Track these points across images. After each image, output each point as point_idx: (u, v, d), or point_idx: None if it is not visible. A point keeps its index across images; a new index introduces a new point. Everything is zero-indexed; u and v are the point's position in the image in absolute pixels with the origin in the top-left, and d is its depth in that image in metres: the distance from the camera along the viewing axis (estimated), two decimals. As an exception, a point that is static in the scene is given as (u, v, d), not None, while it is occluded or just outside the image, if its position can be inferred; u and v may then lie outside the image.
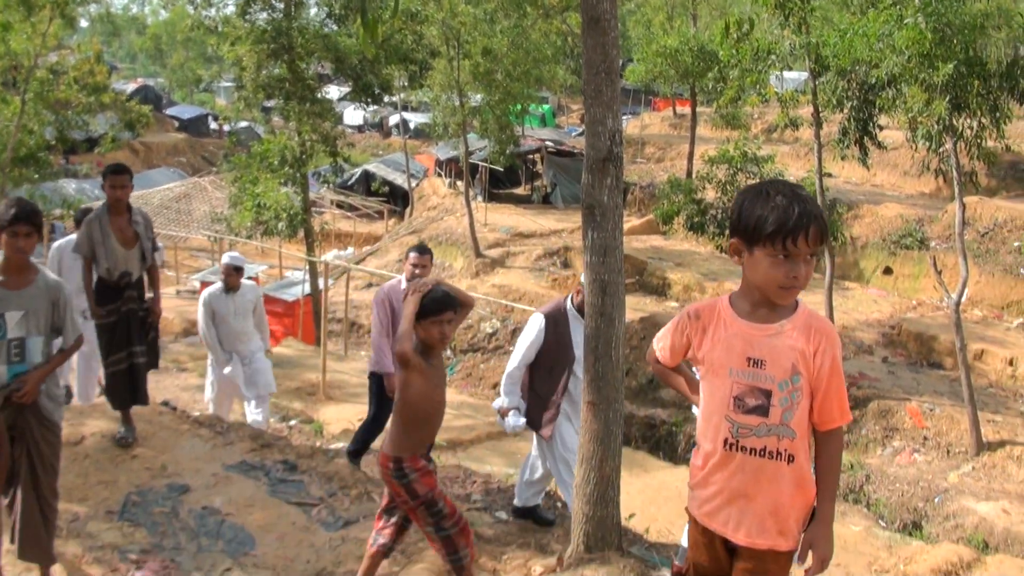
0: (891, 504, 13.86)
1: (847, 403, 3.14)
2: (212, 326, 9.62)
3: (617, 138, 5.07)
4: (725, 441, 3.10)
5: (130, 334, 7.24)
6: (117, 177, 7.13)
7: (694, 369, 3.45)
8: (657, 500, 11.54)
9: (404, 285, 7.47)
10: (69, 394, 9.45)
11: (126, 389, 7.23)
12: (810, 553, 3.14)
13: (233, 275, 9.55)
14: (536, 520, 6.96)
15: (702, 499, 3.25)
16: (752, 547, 3.13)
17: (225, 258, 9.83)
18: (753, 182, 3.22)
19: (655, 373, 3.57)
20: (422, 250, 7.74)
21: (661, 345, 3.43)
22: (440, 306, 4.78)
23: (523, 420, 6.62)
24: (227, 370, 9.65)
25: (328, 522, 6.28)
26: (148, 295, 7.55)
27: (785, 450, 3.04)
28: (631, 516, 8.75)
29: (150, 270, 7.48)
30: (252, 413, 9.87)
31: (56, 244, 9.29)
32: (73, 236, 8.45)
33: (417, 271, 7.53)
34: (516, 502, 7.09)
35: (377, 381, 7.92)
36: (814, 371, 3.03)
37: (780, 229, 2.86)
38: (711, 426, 3.16)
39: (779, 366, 3.02)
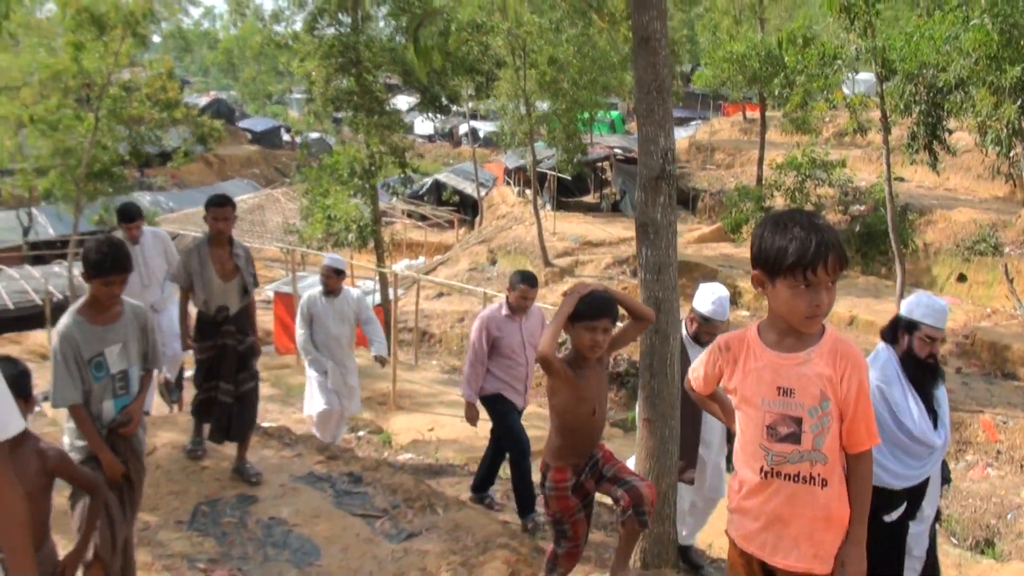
0: (963, 520, 13.52)
1: (875, 426, 3.20)
2: (307, 328, 9.13)
3: (669, 156, 5.12)
4: (761, 469, 3.18)
5: (225, 369, 6.98)
6: (219, 209, 6.87)
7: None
8: (724, 513, 11.41)
9: (505, 311, 7.38)
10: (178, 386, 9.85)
11: (237, 417, 7.04)
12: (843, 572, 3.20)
13: (333, 278, 9.10)
14: (686, 561, 6.57)
15: (740, 523, 3.34)
16: (789, 570, 3.21)
17: (325, 260, 9.36)
18: (773, 212, 3.26)
19: (694, 399, 3.72)
20: (532, 281, 7.20)
21: (696, 375, 3.55)
22: (595, 311, 4.46)
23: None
24: (325, 376, 9.13)
25: (391, 534, 6.39)
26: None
27: (819, 475, 3.11)
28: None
29: (248, 305, 7.16)
30: (335, 428, 9.62)
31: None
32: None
33: (526, 302, 7.14)
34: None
35: (490, 405, 7.39)
36: (841, 396, 3.10)
37: (800, 260, 2.93)
38: (747, 454, 3.25)
39: (808, 393, 3.09)
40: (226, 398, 6.99)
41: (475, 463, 11.52)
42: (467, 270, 30.86)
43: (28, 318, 22.88)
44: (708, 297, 6.32)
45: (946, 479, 5.44)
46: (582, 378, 4.58)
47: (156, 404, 9.85)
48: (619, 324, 4.68)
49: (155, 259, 8.91)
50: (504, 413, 7.27)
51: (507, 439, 7.32)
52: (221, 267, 6.91)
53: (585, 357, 4.56)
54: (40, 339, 20.16)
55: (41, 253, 32.55)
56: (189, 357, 7.76)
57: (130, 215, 8.66)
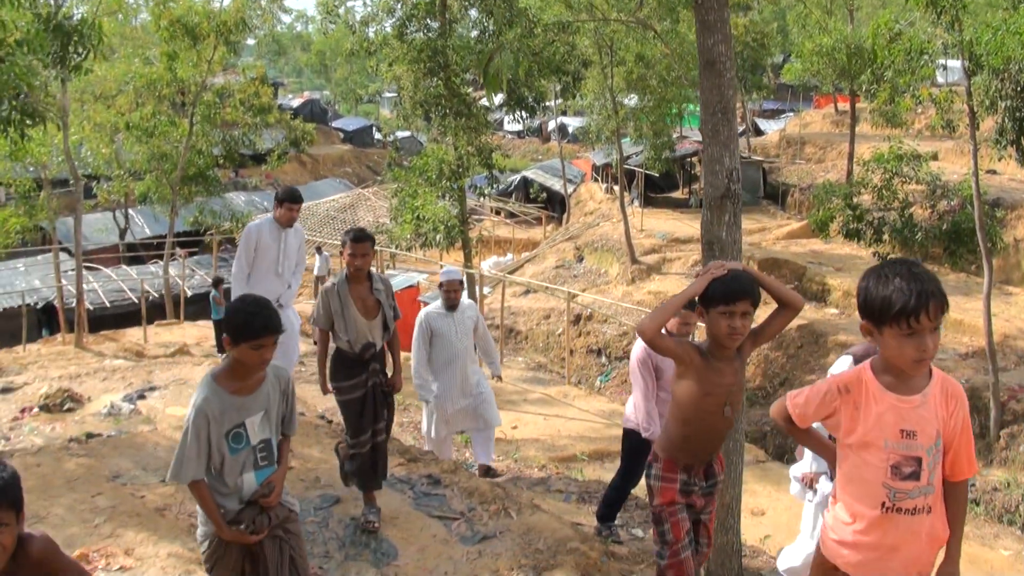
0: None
1: (974, 456, 3.44)
2: (427, 349, 8.79)
3: (735, 176, 5.22)
4: (883, 504, 3.34)
5: (376, 410, 6.66)
6: (358, 245, 6.45)
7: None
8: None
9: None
10: None
11: (370, 468, 6.68)
12: None
13: (458, 290, 8.79)
14: None
15: (852, 555, 3.47)
16: None
17: (444, 274, 8.95)
18: (875, 265, 3.39)
19: (784, 430, 3.72)
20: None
21: (800, 411, 3.55)
22: (732, 293, 4.00)
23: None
24: (433, 394, 8.85)
25: (467, 536, 6.59)
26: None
27: (929, 505, 3.33)
28: (766, 537, 8.82)
29: (390, 340, 6.79)
30: (477, 447, 9.31)
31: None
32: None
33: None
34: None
35: (629, 438, 7.16)
36: (950, 431, 3.33)
37: (903, 310, 3.11)
38: (866, 492, 3.38)
39: (926, 434, 3.29)
40: (382, 436, 6.73)
41: (554, 464, 11.73)
42: (554, 267, 31.05)
43: (125, 315, 23.68)
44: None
45: None
46: (714, 370, 4.13)
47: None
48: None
49: (294, 252, 8.77)
50: (638, 449, 6.92)
51: (633, 477, 7.26)
52: (363, 304, 6.57)
53: (723, 346, 4.11)
54: (136, 336, 20.86)
55: (138, 254, 33.60)
56: None
57: (297, 197, 8.58)
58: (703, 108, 5.30)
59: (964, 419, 3.35)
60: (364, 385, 6.57)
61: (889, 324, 3.17)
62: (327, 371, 6.73)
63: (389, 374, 6.76)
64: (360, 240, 6.44)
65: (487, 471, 8.85)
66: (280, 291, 8.67)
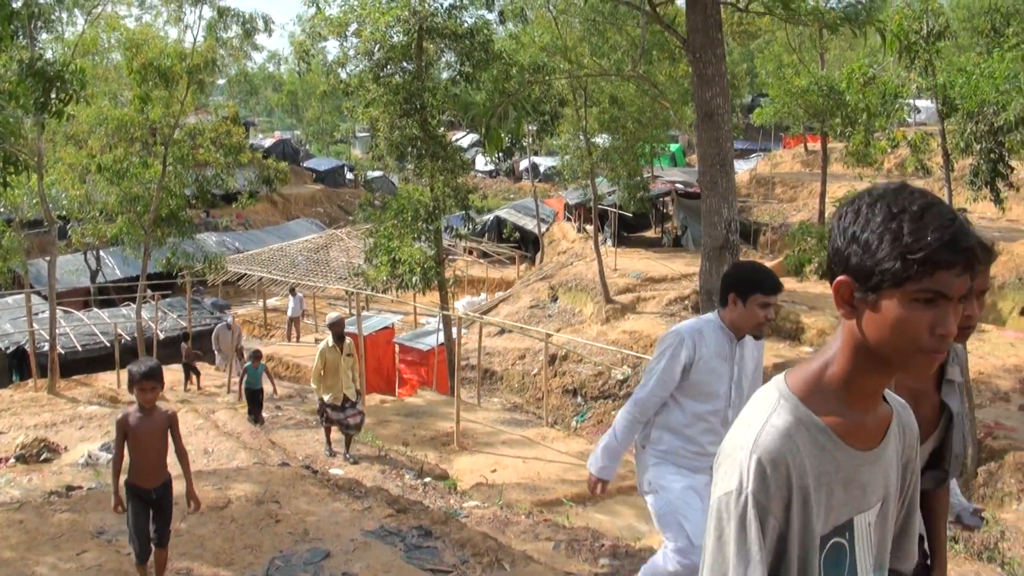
0: (1028, 560, 13.34)
1: None
2: None
3: (733, 227, 5.25)
4: None
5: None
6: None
7: None
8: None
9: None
10: None
11: None
12: None
13: None
14: None
15: None
16: None
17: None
18: None
19: None
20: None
21: None
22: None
23: None
24: None
25: (460, 589, 6.52)
26: None
27: None
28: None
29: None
30: None
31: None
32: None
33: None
34: None
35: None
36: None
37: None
38: None
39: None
40: None
41: (539, 509, 11.63)
42: (528, 307, 31.01)
43: (97, 359, 23.35)
44: None
45: None
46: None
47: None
48: None
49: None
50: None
51: None
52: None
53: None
54: (109, 381, 20.61)
55: (109, 297, 33.27)
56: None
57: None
58: (701, 160, 5.33)
59: None
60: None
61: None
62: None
63: None
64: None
65: None
66: None
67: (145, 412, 6.03)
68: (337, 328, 12.71)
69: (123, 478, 6.15)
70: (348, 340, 12.85)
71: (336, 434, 13.24)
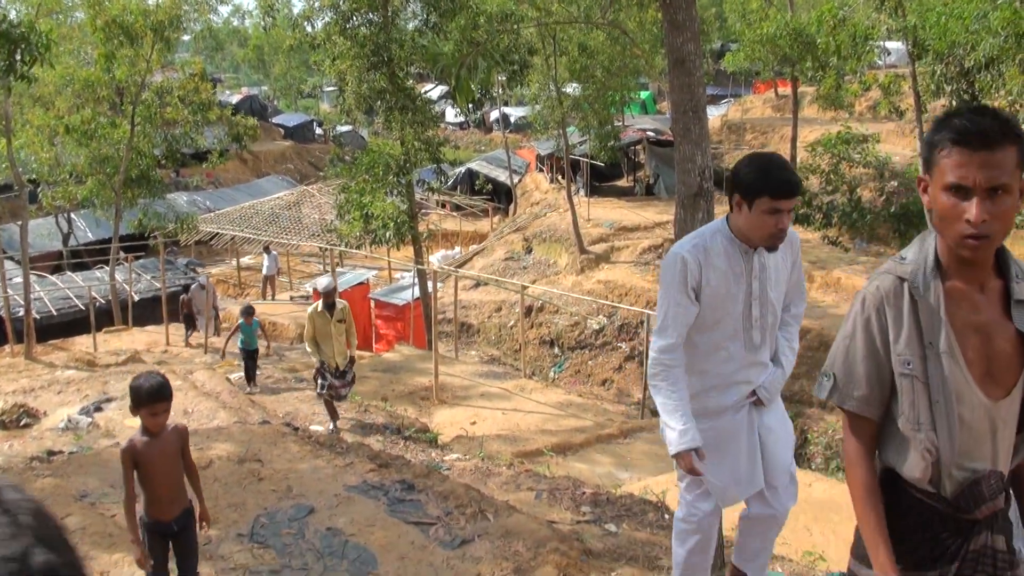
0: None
1: None
2: None
3: (707, 174, 5.25)
4: None
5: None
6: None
7: None
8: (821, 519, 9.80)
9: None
10: None
11: None
12: None
13: None
14: None
15: None
16: None
17: None
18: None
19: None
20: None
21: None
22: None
23: None
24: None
25: (445, 541, 6.57)
26: None
27: None
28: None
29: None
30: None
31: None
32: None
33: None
34: None
35: None
36: None
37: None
38: None
39: None
40: None
41: (520, 460, 11.73)
42: (503, 259, 31.05)
43: (72, 323, 23.22)
44: None
45: None
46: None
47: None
48: None
49: None
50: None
51: None
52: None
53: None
54: (85, 344, 20.53)
55: (82, 260, 33.03)
56: None
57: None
58: (673, 108, 5.31)
59: None
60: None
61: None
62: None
63: None
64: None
65: None
66: None
67: (153, 435, 5.13)
68: (328, 298, 11.77)
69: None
70: (342, 304, 11.94)
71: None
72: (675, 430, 3.97)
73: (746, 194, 3.80)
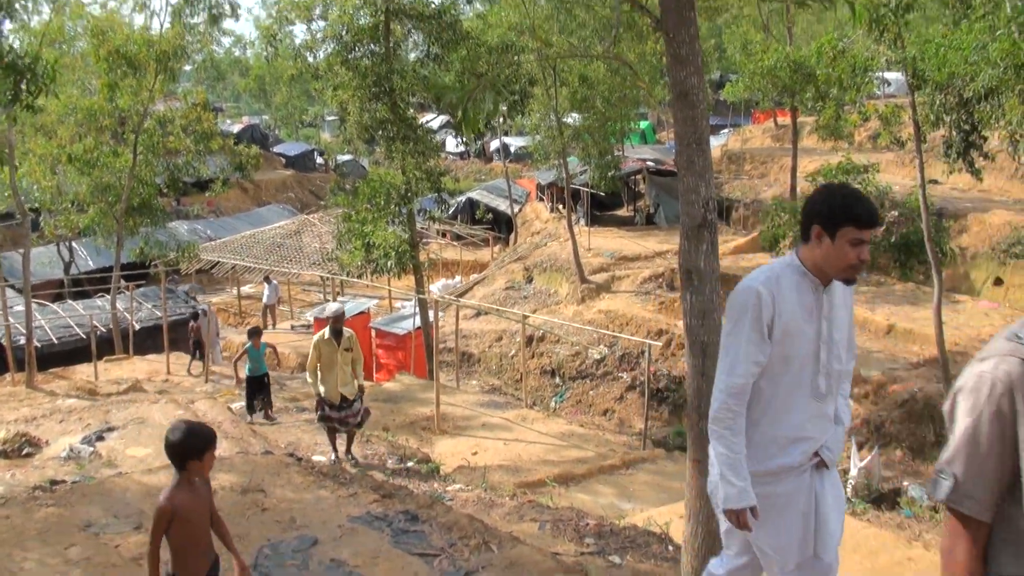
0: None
1: None
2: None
3: (711, 205, 5.28)
4: None
5: None
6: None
7: None
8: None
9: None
10: None
11: None
12: None
13: None
14: None
15: None
16: None
17: None
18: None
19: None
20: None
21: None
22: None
23: None
24: None
25: (449, 572, 6.54)
26: None
27: None
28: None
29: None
30: None
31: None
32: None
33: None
34: None
35: None
36: None
37: None
38: None
39: None
40: None
41: (523, 491, 11.69)
42: (504, 288, 31.05)
43: (73, 352, 23.15)
44: None
45: None
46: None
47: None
48: None
49: None
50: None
51: None
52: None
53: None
54: (87, 373, 20.48)
55: (83, 288, 33.04)
56: None
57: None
58: (677, 140, 5.35)
59: None
60: None
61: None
62: None
63: None
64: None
65: None
66: None
67: (190, 487, 4.64)
68: (336, 324, 11.41)
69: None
70: (348, 333, 11.58)
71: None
72: (735, 487, 3.75)
73: (828, 224, 3.67)
